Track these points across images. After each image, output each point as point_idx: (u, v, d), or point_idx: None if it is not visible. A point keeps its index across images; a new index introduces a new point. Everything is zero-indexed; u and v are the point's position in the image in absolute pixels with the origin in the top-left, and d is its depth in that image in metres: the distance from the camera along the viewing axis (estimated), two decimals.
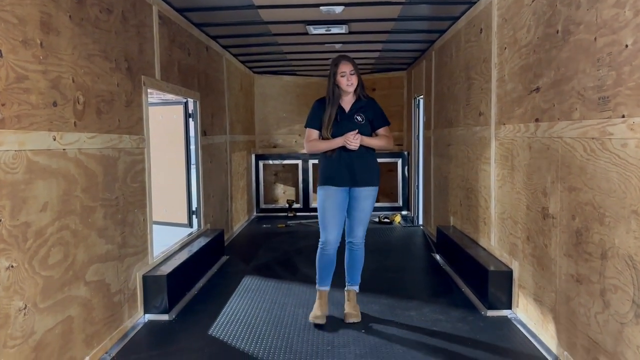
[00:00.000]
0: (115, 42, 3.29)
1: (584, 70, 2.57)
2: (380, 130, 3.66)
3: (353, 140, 3.44)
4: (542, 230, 3.11)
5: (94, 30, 3.02)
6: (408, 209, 8.34)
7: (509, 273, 3.63)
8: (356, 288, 3.73)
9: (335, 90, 3.56)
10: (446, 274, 4.74)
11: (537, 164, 3.17)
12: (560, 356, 2.87)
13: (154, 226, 6.04)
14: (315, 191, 8.27)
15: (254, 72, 8.56)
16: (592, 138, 2.47)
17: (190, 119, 5.23)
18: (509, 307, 3.66)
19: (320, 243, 3.60)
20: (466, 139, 4.78)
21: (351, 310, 3.63)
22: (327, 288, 3.67)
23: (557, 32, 2.87)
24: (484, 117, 4.22)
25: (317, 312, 3.58)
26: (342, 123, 3.56)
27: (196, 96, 5.12)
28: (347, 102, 3.64)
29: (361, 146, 3.50)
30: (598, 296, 2.46)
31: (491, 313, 3.65)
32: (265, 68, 8.24)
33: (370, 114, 3.63)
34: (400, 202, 8.45)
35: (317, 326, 3.50)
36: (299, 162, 8.54)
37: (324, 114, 3.58)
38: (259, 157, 8.54)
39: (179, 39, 4.64)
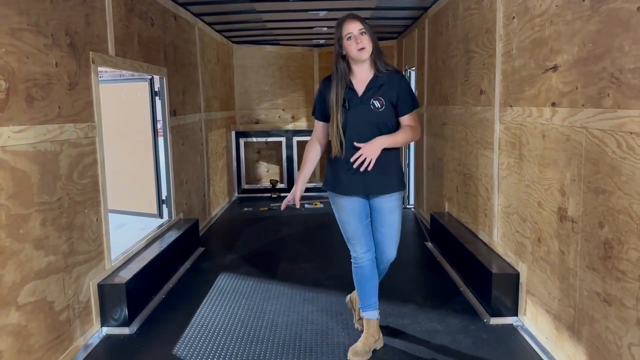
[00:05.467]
0: (51, 13, 2.73)
1: (621, 48, 2.08)
2: (405, 119, 2.70)
3: (362, 164, 2.60)
4: (559, 234, 2.66)
5: (19, 0, 2.46)
6: None
7: (516, 276, 3.20)
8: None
9: (339, 64, 2.66)
10: (442, 268, 4.31)
11: (552, 156, 2.71)
12: None
13: (120, 217, 5.63)
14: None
15: (233, 42, 7.92)
16: (631, 133, 2.00)
17: (157, 98, 4.67)
18: (515, 314, 3.25)
19: (352, 258, 2.89)
20: (464, 119, 4.29)
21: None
22: (374, 314, 2.87)
23: None
24: (486, 96, 3.73)
25: (357, 347, 2.78)
26: (355, 111, 2.65)
27: (163, 72, 4.56)
28: (361, 80, 2.69)
29: None
30: (634, 325, 2.03)
31: (495, 321, 3.24)
32: (245, 38, 7.60)
33: (393, 94, 2.66)
34: None
35: None
36: (283, 139, 8.01)
37: (329, 97, 2.70)
38: (239, 135, 7.98)
39: (139, 7, 4.05)
